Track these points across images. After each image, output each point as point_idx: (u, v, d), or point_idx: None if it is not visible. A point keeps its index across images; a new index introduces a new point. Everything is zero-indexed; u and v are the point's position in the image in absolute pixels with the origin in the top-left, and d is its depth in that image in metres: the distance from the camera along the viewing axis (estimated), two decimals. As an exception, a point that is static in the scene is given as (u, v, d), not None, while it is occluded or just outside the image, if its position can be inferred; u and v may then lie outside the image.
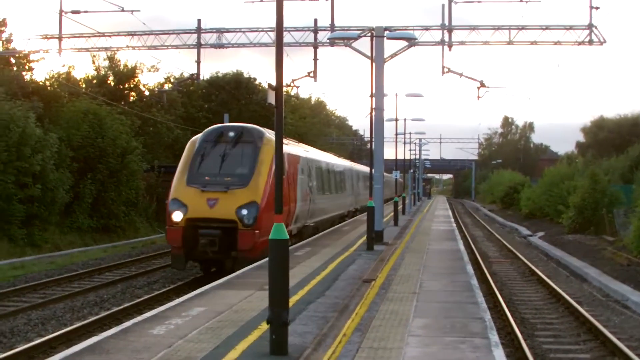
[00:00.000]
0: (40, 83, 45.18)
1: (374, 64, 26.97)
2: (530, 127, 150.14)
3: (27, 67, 44.52)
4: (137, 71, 54.77)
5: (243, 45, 36.59)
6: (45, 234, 33.01)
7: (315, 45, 35.81)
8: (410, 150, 76.78)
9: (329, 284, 17.03)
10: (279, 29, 10.48)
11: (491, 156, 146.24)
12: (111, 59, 53.31)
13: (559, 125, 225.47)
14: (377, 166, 28.67)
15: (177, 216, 22.22)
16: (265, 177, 22.63)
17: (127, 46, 37.85)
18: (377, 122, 28.55)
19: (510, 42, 34.51)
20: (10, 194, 30.52)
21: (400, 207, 47.22)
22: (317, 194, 32.30)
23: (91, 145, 39.15)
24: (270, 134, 23.73)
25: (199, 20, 36.55)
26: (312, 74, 36.63)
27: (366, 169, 50.09)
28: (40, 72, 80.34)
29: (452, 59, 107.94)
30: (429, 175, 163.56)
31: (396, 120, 46.29)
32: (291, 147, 28.47)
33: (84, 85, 51.15)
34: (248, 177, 22.70)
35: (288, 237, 10.31)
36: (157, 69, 55.42)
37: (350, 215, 45.71)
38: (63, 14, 35.75)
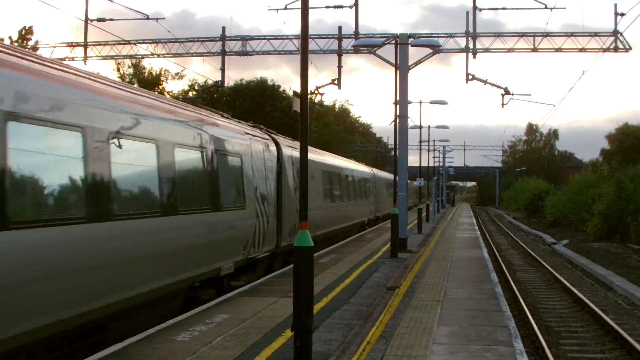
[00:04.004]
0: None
1: (398, 71, 26.97)
2: (554, 134, 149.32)
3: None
4: (162, 78, 55.11)
5: (267, 52, 36.74)
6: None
7: (340, 53, 35.87)
8: (434, 157, 76.81)
9: (353, 291, 17.03)
10: (304, 36, 10.46)
11: (515, 163, 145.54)
12: (136, 66, 53.68)
13: (584, 131, 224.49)
14: (401, 174, 28.62)
15: None
16: None
17: (152, 54, 38.12)
18: (401, 129, 28.52)
19: (534, 50, 34.45)
20: None
21: (424, 214, 47.14)
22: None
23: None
24: None
25: (223, 28, 36.81)
26: (336, 82, 36.68)
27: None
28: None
29: (476, 66, 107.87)
30: (453, 182, 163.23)
31: (420, 127, 46.28)
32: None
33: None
34: None
35: (312, 244, 10.29)
36: (182, 76, 55.82)
37: None
38: (89, 22, 36.08)
